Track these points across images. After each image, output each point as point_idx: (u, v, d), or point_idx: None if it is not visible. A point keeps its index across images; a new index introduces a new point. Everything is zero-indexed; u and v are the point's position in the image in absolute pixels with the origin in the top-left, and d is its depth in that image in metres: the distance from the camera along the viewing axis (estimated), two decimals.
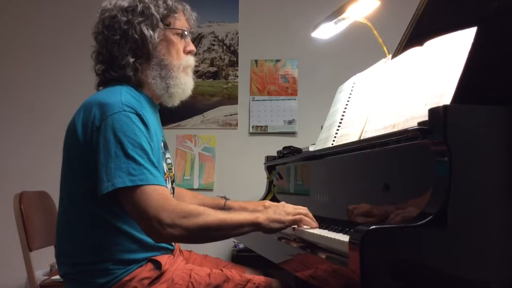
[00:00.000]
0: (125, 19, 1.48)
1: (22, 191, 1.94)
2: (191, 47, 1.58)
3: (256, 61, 3.36)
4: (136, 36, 1.47)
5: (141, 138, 1.34)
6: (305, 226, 1.42)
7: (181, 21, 1.56)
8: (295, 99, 3.33)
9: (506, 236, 1.03)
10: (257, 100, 3.33)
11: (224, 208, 1.81)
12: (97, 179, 1.32)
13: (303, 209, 1.44)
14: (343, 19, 2.20)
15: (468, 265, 1.00)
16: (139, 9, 1.48)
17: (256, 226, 1.36)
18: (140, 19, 1.48)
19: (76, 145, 1.39)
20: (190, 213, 1.29)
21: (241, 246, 2.89)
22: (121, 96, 1.38)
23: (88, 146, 1.36)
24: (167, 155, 1.61)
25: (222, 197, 1.89)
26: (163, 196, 1.30)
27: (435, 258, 0.99)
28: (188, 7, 1.60)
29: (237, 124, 3.35)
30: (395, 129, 1.32)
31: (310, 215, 1.44)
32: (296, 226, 1.42)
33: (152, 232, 1.31)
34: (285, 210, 1.41)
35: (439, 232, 0.99)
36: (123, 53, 1.47)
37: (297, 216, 1.40)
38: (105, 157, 1.31)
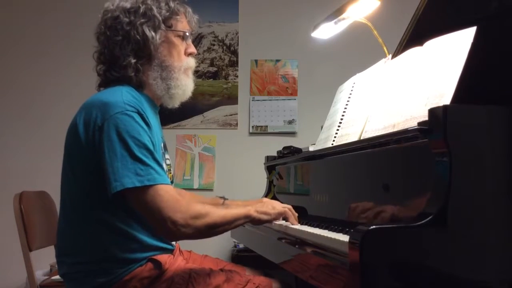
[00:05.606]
0: (127, 20, 1.49)
1: (22, 191, 1.94)
2: (192, 49, 1.60)
3: (256, 61, 3.36)
4: (138, 37, 1.48)
5: (145, 138, 1.36)
6: (286, 222, 1.60)
7: (182, 23, 1.57)
8: (295, 99, 3.33)
9: (506, 236, 1.03)
10: (257, 100, 3.33)
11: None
12: (105, 180, 1.33)
13: (288, 206, 1.59)
14: (343, 19, 2.20)
15: (468, 265, 1.00)
16: (141, 10, 1.49)
17: (248, 218, 1.48)
18: (142, 20, 1.49)
19: (77, 144, 1.40)
20: (199, 213, 1.36)
21: (241, 246, 2.89)
22: (122, 95, 1.39)
23: (90, 145, 1.37)
24: (167, 156, 1.62)
25: (221, 197, 1.90)
26: (174, 198, 1.34)
27: (435, 258, 0.99)
28: (189, 9, 1.61)
29: (237, 124, 3.35)
30: (395, 129, 1.32)
31: (293, 212, 1.59)
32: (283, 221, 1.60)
33: (166, 232, 1.37)
34: (272, 205, 1.55)
35: (439, 232, 0.99)
36: (125, 54, 1.48)
37: (282, 210, 1.55)
38: (111, 157, 1.32)
